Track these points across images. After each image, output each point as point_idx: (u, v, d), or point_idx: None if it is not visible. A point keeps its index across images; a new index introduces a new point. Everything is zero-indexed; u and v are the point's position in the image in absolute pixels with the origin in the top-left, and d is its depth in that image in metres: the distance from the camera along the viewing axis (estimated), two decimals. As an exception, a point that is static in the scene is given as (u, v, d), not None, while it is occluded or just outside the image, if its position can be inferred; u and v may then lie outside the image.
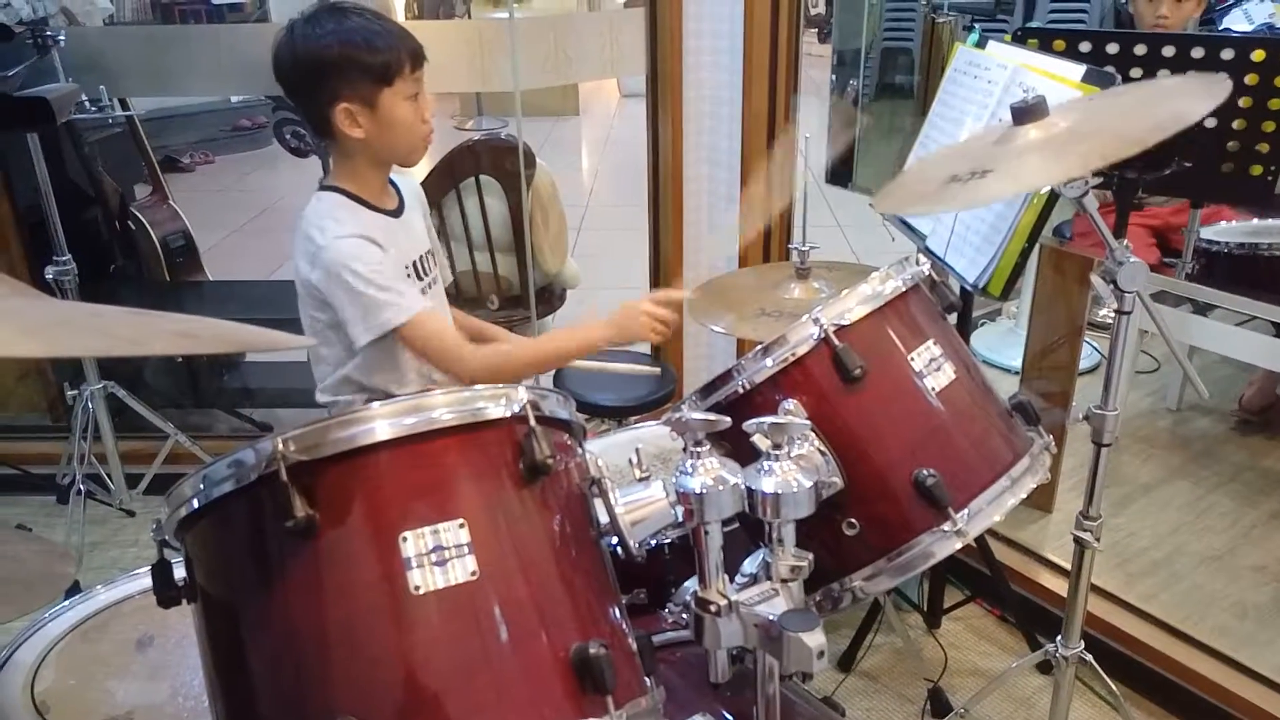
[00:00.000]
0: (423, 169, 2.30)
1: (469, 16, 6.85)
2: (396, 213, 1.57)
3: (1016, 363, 2.43)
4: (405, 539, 0.84)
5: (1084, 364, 2.30)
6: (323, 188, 1.53)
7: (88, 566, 2.40)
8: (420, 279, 1.58)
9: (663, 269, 2.72)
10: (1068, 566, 1.58)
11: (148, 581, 1.35)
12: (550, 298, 2.91)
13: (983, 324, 3.27)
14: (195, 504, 0.89)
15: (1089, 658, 1.60)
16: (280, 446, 0.84)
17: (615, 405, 2.09)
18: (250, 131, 6.14)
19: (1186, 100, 1.20)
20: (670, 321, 1.54)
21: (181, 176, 5.55)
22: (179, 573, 0.94)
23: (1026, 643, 2.06)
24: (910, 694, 2.01)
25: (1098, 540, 1.49)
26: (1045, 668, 2.00)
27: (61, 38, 2.53)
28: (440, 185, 2.64)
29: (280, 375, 3.08)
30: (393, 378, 1.56)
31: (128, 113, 3.11)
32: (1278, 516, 2.36)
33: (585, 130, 7.36)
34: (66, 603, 1.34)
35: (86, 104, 2.66)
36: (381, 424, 0.87)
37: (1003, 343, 3.05)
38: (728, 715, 1.16)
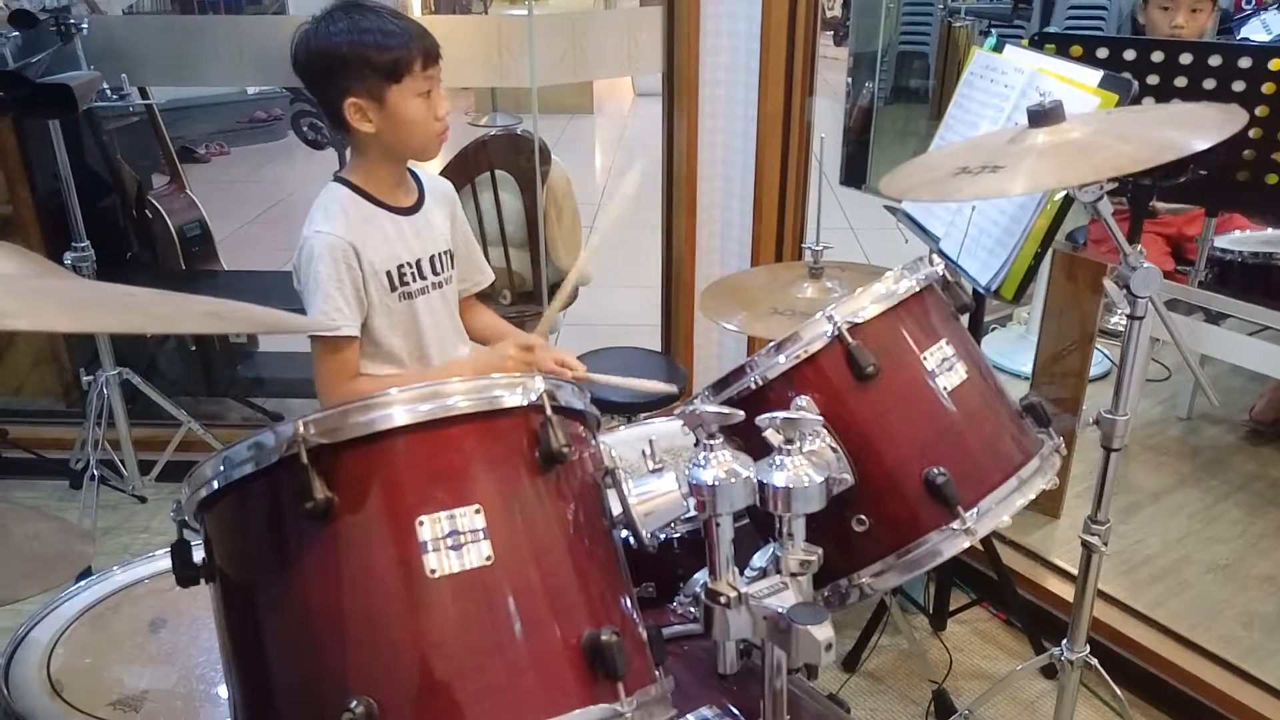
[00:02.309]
0: (437, 164, 2.31)
1: (485, 12, 6.87)
2: (410, 210, 1.59)
3: (1026, 368, 2.43)
4: (422, 523, 0.85)
5: (1094, 371, 2.30)
6: (334, 179, 1.56)
7: (99, 551, 2.42)
8: (423, 278, 1.59)
9: (675, 267, 2.73)
10: (1074, 572, 1.58)
11: (160, 565, 1.39)
12: (563, 294, 2.92)
13: (993, 329, 3.27)
14: (215, 485, 0.91)
15: (1094, 662, 1.59)
16: (301, 430, 0.85)
17: (624, 402, 2.10)
18: (265, 124, 6.16)
19: (1202, 128, 1.21)
20: (532, 363, 1.59)
21: (197, 167, 5.57)
22: (198, 553, 0.95)
23: (1031, 647, 2.06)
24: (914, 695, 2.01)
25: (1105, 545, 1.49)
26: (1050, 672, 2.00)
27: (84, 25, 2.54)
28: (455, 180, 2.63)
29: (292, 366, 3.10)
30: (388, 367, 1.58)
31: (147, 101, 3.13)
32: (1286, 527, 2.36)
33: (599, 128, 7.36)
34: (82, 584, 1.36)
35: (107, 92, 2.67)
36: (400, 410, 0.88)
37: (1013, 348, 3.05)
38: (734, 709, 1.17)
